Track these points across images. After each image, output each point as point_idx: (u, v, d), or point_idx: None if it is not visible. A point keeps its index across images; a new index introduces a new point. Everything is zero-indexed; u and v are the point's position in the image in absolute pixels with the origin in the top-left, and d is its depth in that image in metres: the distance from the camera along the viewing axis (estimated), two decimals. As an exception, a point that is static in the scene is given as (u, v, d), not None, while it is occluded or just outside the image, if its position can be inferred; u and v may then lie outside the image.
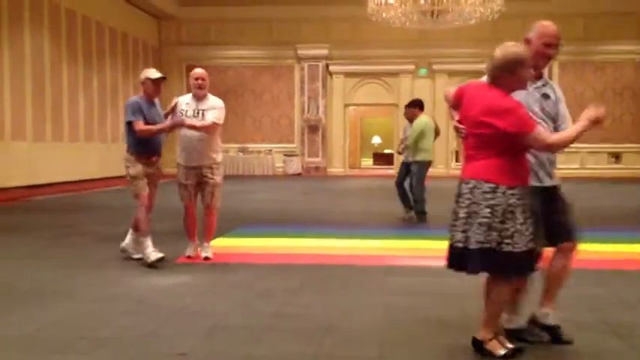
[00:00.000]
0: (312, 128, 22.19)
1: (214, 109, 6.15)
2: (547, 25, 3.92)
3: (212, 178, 6.18)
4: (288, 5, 21.40)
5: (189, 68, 22.64)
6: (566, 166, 21.77)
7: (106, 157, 18.82)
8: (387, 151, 28.83)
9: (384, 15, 16.43)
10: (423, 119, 9.55)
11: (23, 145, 14.98)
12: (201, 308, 4.48)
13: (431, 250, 7.05)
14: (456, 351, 3.59)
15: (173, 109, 6.19)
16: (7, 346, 3.68)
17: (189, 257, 6.30)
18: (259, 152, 22.42)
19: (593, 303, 4.61)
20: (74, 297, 4.79)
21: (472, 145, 3.46)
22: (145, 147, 6.10)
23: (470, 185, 3.40)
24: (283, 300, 4.68)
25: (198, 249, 6.40)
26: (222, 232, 8.12)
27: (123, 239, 6.47)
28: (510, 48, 3.53)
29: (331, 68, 22.13)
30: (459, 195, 3.46)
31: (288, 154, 22.27)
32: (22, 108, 14.88)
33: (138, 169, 6.10)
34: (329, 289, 5.07)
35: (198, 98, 6.18)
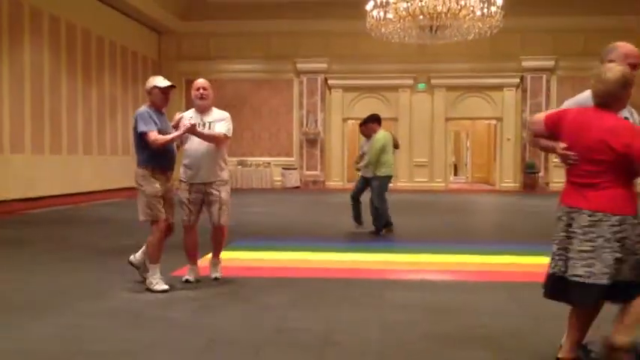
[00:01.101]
0: (311, 142, 22.21)
1: (222, 121, 5.77)
2: (629, 46, 3.77)
3: (218, 195, 5.72)
4: (288, 19, 21.48)
5: (189, 82, 22.60)
6: (564, 180, 21.81)
7: (105, 170, 18.81)
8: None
9: (383, 30, 16.48)
10: (382, 134, 9.36)
11: (22, 158, 14.98)
12: (199, 322, 4.46)
13: (427, 264, 7.05)
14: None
15: (177, 125, 5.72)
16: None
17: (187, 282, 5.77)
18: (258, 165, 22.43)
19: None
20: (71, 311, 4.77)
21: (588, 171, 3.34)
22: (161, 160, 5.54)
23: (595, 218, 3.28)
24: (281, 314, 4.67)
25: (203, 270, 6.15)
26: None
27: (121, 252, 6.44)
28: (618, 68, 3.38)
29: (330, 82, 22.18)
30: (577, 226, 3.34)
31: (287, 168, 22.27)
32: (20, 121, 14.89)
33: (154, 186, 5.48)
34: (327, 302, 5.05)
35: (202, 110, 5.79)
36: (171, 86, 5.64)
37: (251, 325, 4.41)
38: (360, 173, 9.87)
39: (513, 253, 7.68)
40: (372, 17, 16.28)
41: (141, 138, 5.48)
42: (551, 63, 21.67)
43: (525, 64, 21.63)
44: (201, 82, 5.89)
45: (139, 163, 5.57)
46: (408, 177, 22.37)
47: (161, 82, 5.60)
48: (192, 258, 5.93)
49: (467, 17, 15.61)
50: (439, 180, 22.31)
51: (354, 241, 8.88)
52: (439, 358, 3.71)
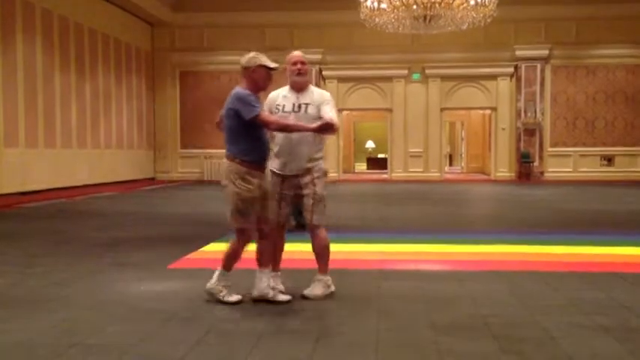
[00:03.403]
0: (306, 133, 22.19)
1: (327, 104, 4.85)
2: None
3: (313, 189, 4.90)
4: (282, 11, 21.41)
5: (183, 74, 22.91)
6: (558, 169, 21.88)
7: (99, 163, 18.77)
8: (380, 155, 28.87)
9: (377, 20, 16.45)
10: None
11: (16, 152, 14.92)
12: (195, 314, 4.45)
13: (424, 254, 7.06)
14: (452, 355, 3.58)
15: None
16: (-1, 354, 3.66)
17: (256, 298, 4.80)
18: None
19: (590, 307, 4.60)
20: (66, 304, 4.76)
21: None
22: (260, 153, 4.73)
23: None
24: (278, 305, 4.66)
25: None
26: (215, 238, 8.10)
27: (116, 245, 6.41)
28: None
29: (325, 73, 22.13)
30: None
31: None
32: (14, 114, 14.82)
33: (254, 185, 4.66)
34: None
35: (299, 89, 4.93)
36: (276, 68, 4.83)
37: (247, 316, 4.40)
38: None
39: (509, 243, 7.69)
40: (366, 8, 16.25)
41: (243, 124, 4.62)
42: (545, 52, 21.66)
43: (519, 53, 21.62)
44: (297, 54, 5.00)
45: (233, 156, 4.68)
46: (403, 167, 22.41)
47: (267, 61, 4.80)
48: (271, 263, 4.99)
49: (461, 7, 15.59)
50: (434, 170, 22.34)
51: (348, 232, 8.88)
52: (440, 347, 3.71)
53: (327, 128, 4.59)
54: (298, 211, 8.71)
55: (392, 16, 16.07)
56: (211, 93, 21.58)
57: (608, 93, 21.86)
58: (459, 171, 28.28)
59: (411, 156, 22.46)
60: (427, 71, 22.04)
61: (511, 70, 21.97)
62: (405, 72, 22.09)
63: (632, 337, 3.89)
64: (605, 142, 21.90)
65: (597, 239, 7.92)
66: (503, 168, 22.30)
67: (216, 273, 4.78)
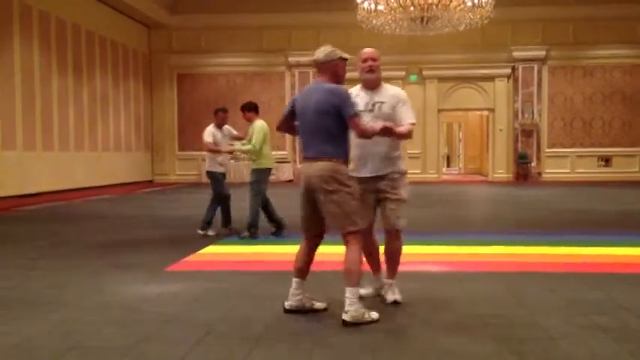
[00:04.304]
0: (304, 135, 22.18)
1: (403, 104, 4.69)
2: None
3: (395, 193, 4.70)
4: (279, 12, 21.43)
5: (180, 76, 22.90)
6: (556, 170, 21.90)
7: (97, 166, 18.76)
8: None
9: (374, 22, 16.47)
10: (261, 123, 8.50)
11: (13, 155, 14.91)
12: (194, 316, 4.45)
13: (422, 255, 7.06)
14: (451, 356, 3.58)
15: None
16: (-2, 357, 3.65)
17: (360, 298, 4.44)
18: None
19: (589, 307, 4.61)
20: (64, 306, 4.75)
21: None
22: (349, 153, 4.50)
23: None
24: (276, 308, 4.66)
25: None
26: (214, 240, 8.11)
27: (115, 247, 6.40)
28: None
29: (322, 75, 22.13)
30: None
31: (280, 161, 22.25)
32: (12, 117, 14.81)
33: (357, 189, 4.46)
34: (322, 295, 5.05)
35: (372, 86, 4.73)
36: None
37: (246, 319, 4.40)
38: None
39: (508, 243, 7.70)
40: (363, 9, 16.26)
41: (342, 122, 4.33)
42: (542, 53, 21.70)
43: (516, 54, 21.66)
44: (369, 51, 4.79)
45: (337, 156, 4.35)
46: (401, 169, 22.39)
47: (343, 52, 4.50)
48: (377, 267, 4.91)
49: (458, 8, 15.61)
50: (432, 171, 22.35)
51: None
52: (439, 348, 3.72)
53: (408, 136, 4.61)
54: (269, 216, 8.50)
55: (389, 17, 16.09)
56: (209, 95, 21.58)
57: (606, 94, 21.90)
58: (456, 172, 28.30)
59: (409, 157, 22.42)
60: (424, 72, 22.07)
61: (508, 71, 22.00)
62: (403, 73, 22.10)
63: (631, 338, 3.89)
64: (602, 142, 21.94)
65: (596, 240, 7.92)
66: (500, 169, 22.33)
67: (350, 296, 4.23)
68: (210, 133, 8.92)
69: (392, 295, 4.76)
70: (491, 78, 22.08)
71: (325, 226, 4.52)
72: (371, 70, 4.69)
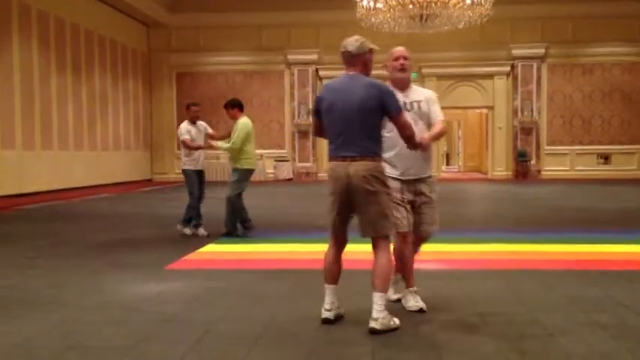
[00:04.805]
0: (303, 133, 22.17)
1: (434, 103, 4.63)
2: None
3: (429, 196, 4.59)
4: (278, 11, 21.41)
5: (180, 75, 22.87)
6: (555, 167, 21.91)
7: (96, 165, 18.75)
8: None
9: (373, 20, 16.46)
10: (245, 121, 8.37)
11: (13, 154, 14.90)
12: (193, 315, 4.45)
13: (422, 253, 7.04)
14: (451, 353, 3.59)
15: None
16: (-3, 356, 3.65)
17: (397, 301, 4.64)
18: (250, 158, 22.37)
19: (588, 304, 4.61)
20: (64, 306, 4.75)
21: None
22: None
23: None
24: (275, 306, 4.66)
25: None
26: (212, 239, 8.10)
27: (114, 247, 6.40)
28: None
29: (321, 73, 22.12)
30: None
31: (279, 160, 22.25)
32: (11, 116, 14.81)
33: (393, 190, 4.36)
34: (321, 294, 5.05)
35: (403, 86, 4.59)
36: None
37: (245, 317, 4.40)
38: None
39: (507, 241, 7.69)
40: (362, 7, 16.26)
41: (382, 119, 4.15)
42: (541, 50, 21.69)
43: (516, 52, 21.65)
44: (400, 49, 4.69)
45: (373, 154, 4.12)
46: (401, 167, 22.39)
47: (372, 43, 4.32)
48: (410, 271, 4.73)
49: (457, 6, 15.60)
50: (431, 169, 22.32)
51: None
52: (439, 346, 3.72)
53: (442, 134, 4.61)
54: (231, 220, 8.12)
55: (388, 15, 16.09)
56: (208, 94, 21.56)
57: (605, 91, 21.90)
58: (456, 170, 28.31)
59: (409, 155, 22.46)
60: (424, 70, 22.04)
61: (507, 68, 22.00)
62: (402, 71, 22.08)
63: (630, 335, 3.90)
64: (601, 140, 21.94)
65: (595, 237, 7.92)
66: (500, 167, 22.33)
67: (380, 302, 4.07)
68: (185, 130, 8.65)
69: (415, 302, 4.56)
70: (490, 76, 22.07)
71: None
72: (403, 68, 4.57)
